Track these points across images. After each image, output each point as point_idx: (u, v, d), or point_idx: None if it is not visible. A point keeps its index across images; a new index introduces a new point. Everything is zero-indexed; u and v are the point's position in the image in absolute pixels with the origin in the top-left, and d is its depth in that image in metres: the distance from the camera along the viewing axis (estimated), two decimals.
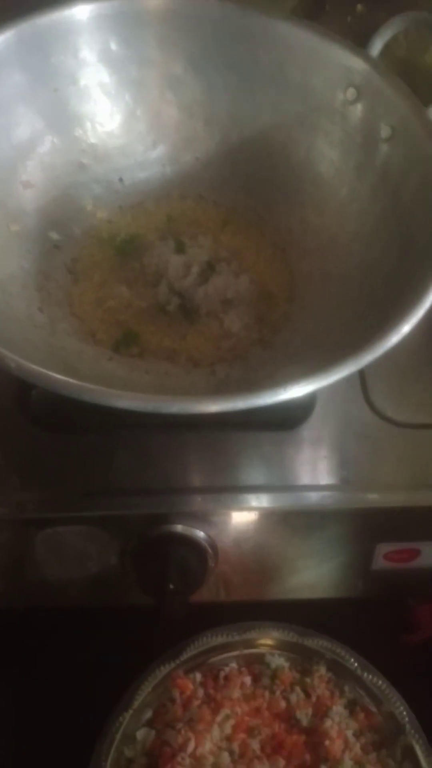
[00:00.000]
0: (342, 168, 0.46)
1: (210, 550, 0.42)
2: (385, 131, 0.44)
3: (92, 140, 0.49)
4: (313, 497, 0.43)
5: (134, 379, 0.42)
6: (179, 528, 0.41)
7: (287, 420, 0.44)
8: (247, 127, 0.49)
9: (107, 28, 0.47)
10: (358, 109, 0.45)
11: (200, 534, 0.42)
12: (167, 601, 0.41)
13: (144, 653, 0.45)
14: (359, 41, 0.47)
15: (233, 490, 0.42)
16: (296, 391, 0.33)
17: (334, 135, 0.47)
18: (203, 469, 0.43)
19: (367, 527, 0.44)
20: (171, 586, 0.40)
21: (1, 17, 0.44)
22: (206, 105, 0.50)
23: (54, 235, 0.47)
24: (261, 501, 0.42)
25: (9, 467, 0.43)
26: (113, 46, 0.47)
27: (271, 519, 0.43)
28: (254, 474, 0.43)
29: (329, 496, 0.43)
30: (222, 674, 0.46)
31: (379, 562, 0.45)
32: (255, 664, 0.47)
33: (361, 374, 0.46)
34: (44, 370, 0.33)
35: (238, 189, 0.50)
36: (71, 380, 0.34)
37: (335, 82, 0.46)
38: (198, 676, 0.46)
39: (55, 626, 0.47)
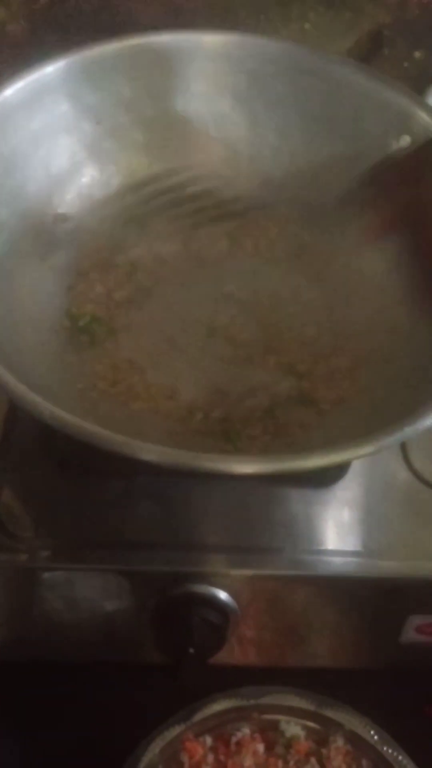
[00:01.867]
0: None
1: (232, 613, 0.40)
2: None
3: (133, 174, 0.48)
4: (344, 563, 0.40)
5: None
6: (202, 588, 0.39)
7: (321, 477, 0.42)
8: (292, 167, 0.48)
9: (157, 63, 0.46)
10: None
11: (223, 595, 0.40)
12: (186, 665, 0.38)
13: (153, 713, 0.43)
14: (416, 88, 0.46)
15: (260, 552, 0.40)
16: (347, 455, 0.31)
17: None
18: (230, 526, 0.41)
19: (398, 598, 0.41)
20: (191, 650, 0.38)
21: (54, 48, 0.43)
22: (252, 142, 0.48)
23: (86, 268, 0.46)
24: (289, 565, 0.40)
25: (26, 512, 0.41)
26: (161, 81, 0.46)
27: (298, 584, 0.41)
28: (283, 534, 0.41)
29: (359, 562, 0.41)
30: (234, 740, 0.44)
31: (410, 635, 0.42)
32: (269, 731, 0.44)
33: None
34: (78, 420, 0.32)
35: (280, 230, 0.48)
36: (101, 430, 0.32)
37: (388, 127, 0.44)
38: (209, 740, 0.44)
39: (61, 681, 0.45)
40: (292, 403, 0.40)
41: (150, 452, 0.32)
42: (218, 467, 0.33)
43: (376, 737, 0.44)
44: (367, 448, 0.32)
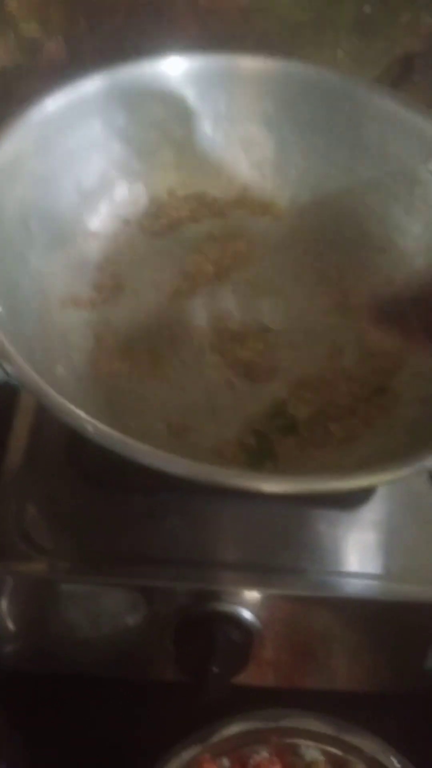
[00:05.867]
0: (419, 237, 0.45)
1: (256, 632, 0.40)
2: None
3: (161, 192, 0.48)
4: (367, 586, 0.40)
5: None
6: (226, 606, 0.39)
7: (348, 499, 0.42)
8: (318, 189, 0.49)
9: (190, 84, 0.46)
10: None
11: (247, 614, 0.39)
12: (209, 685, 0.38)
13: (170, 732, 0.43)
14: None
15: (285, 571, 0.40)
16: (382, 477, 0.31)
17: (411, 204, 0.45)
18: (255, 544, 0.41)
19: (423, 623, 0.41)
20: (215, 670, 0.38)
21: (90, 69, 0.43)
22: (278, 165, 0.49)
23: (113, 286, 0.46)
24: (313, 586, 0.40)
25: (49, 523, 0.41)
26: (192, 102, 0.47)
27: (321, 605, 0.40)
28: (308, 555, 0.41)
29: (384, 586, 0.40)
30: (251, 762, 0.43)
31: None
32: (288, 755, 0.44)
33: None
34: (121, 435, 0.32)
35: (306, 251, 0.48)
36: (144, 446, 0.32)
37: (416, 151, 0.45)
38: (226, 762, 0.43)
39: (76, 696, 0.45)
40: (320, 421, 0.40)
41: (185, 468, 0.32)
42: (248, 485, 0.33)
43: (397, 764, 0.43)
44: (405, 471, 0.31)
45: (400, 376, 0.42)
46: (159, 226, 0.49)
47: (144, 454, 0.31)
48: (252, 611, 0.40)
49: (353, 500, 0.42)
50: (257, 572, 0.40)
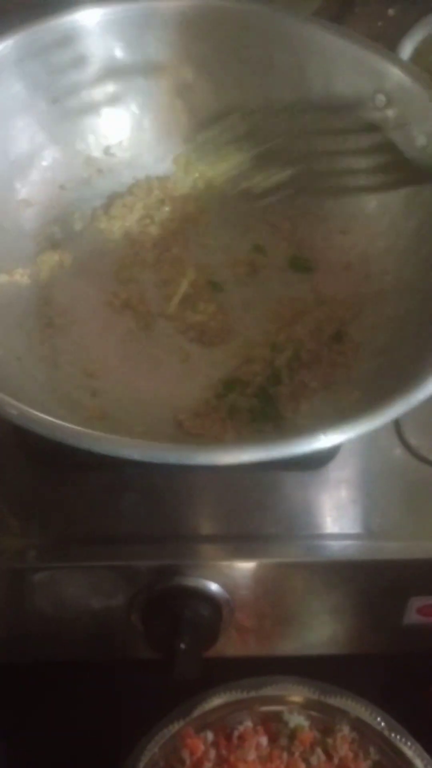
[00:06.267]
0: (371, 178, 0.42)
1: (225, 605, 0.39)
2: (420, 140, 0.40)
3: (96, 153, 0.46)
4: (340, 547, 0.39)
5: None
6: (191, 580, 0.38)
7: (312, 459, 0.40)
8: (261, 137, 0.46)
9: (113, 34, 0.43)
10: (389, 116, 0.41)
11: (214, 587, 0.38)
12: (179, 661, 0.37)
13: (152, 709, 0.42)
14: (391, 47, 0.43)
15: (251, 539, 0.39)
16: (331, 439, 0.30)
17: (360, 144, 0.43)
18: (218, 514, 0.40)
19: (399, 580, 0.40)
20: (182, 646, 0.37)
21: (1, 22, 0.40)
22: (217, 111, 0.46)
23: (54, 258, 0.44)
24: (282, 552, 0.38)
25: (6, 510, 0.40)
26: (118, 53, 0.44)
27: (293, 571, 0.39)
28: (275, 520, 0.39)
29: (357, 545, 0.39)
30: (236, 733, 0.42)
31: (412, 617, 0.41)
32: (272, 723, 0.43)
33: None
34: (49, 418, 0.30)
35: (255, 205, 0.46)
36: (73, 427, 0.30)
37: (362, 87, 0.42)
38: (210, 736, 0.42)
39: (55, 680, 0.44)
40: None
41: (131, 448, 0.30)
42: (203, 460, 0.31)
43: (382, 723, 0.43)
44: (359, 428, 0.30)
45: (356, 325, 0.40)
46: (99, 191, 0.46)
47: (78, 437, 0.30)
48: (219, 583, 0.38)
49: (318, 459, 0.40)
50: (224, 543, 0.39)
